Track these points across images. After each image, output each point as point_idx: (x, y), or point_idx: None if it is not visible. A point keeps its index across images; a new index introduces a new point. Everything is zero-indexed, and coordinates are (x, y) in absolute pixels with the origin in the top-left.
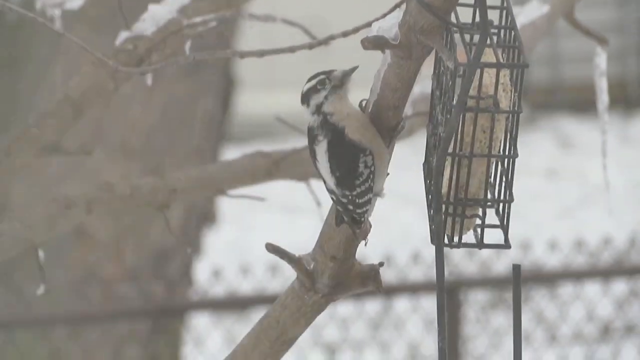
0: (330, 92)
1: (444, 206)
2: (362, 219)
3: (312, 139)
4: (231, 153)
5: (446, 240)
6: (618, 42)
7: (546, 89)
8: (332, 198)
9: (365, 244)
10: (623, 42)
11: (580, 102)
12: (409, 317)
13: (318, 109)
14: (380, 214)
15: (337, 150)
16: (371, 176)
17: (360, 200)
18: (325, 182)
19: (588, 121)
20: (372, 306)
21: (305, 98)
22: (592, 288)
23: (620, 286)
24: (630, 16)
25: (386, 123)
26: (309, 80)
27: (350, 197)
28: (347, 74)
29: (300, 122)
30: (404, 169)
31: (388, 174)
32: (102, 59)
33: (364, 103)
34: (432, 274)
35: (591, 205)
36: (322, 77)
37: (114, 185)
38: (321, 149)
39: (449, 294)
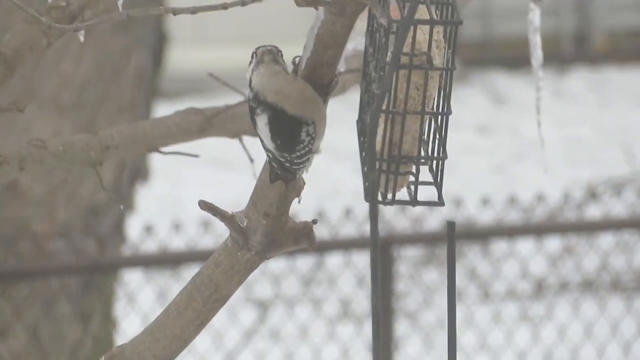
0: (256, 66)
1: (377, 163)
2: (298, 175)
3: (252, 109)
4: (164, 109)
5: (380, 198)
6: None
7: (478, 44)
8: (268, 155)
9: (299, 201)
10: None
11: (513, 58)
12: (341, 273)
13: (249, 83)
14: (312, 169)
15: (278, 124)
16: (312, 141)
17: (299, 160)
18: (263, 142)
19: (521, 77)
20: (304, 262)
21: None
22: (525, 245)
23: (553, 243)
24: None
25: (320, 80)
26: (253, 56)
27: (289, 158)
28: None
29: (232, 79)
30: (336, 124)
31: None
32: (35, 15)
33: (297, 60)
34: (365, 230)
35: (524, 161)
36: (262, 52)
37: (47, 142)
38: (261, 121)
39: (381, 251)
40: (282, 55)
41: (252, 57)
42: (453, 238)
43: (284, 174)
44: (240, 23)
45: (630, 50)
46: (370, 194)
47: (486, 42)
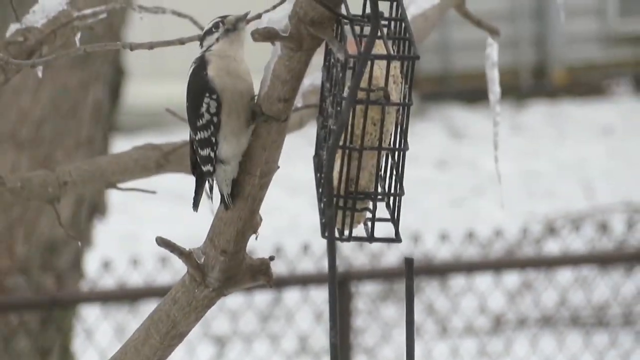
0: (222, 34)
1: (334, 200)
2: (208, 179)
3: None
4: (122, 143)
5: (337, 234)
6: (510, 31)
7: (436, 78)
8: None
9: (256, 238)
10: (515, 31)
11: (471, 91)
12: (299, 308)
13: (208, 49)
14: (269, 203)
15: (193, 79)
16: (211, 128)
17: (201, 152)
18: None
19: (479, 110)
20: (262, 298)
21: (201, 40)
22: (483, 280)
23: (512, 278)
24: (523, 4)
25: (276, 115)
26: (208, 24)
27: (195, 141)
28: (240, 19)
29: None
30: (294, 159)
31: (278, 167)
32: None
33: (255, 98)
34: (322, 265)
35: (483, 196)
36: (217, 20)
37: (4, 178)
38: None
39: (339, 286)
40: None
41: (217, 25)
42: (411, 275)
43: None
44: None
45: (588, 83)
46: (328, 232)
47: (444, 76)
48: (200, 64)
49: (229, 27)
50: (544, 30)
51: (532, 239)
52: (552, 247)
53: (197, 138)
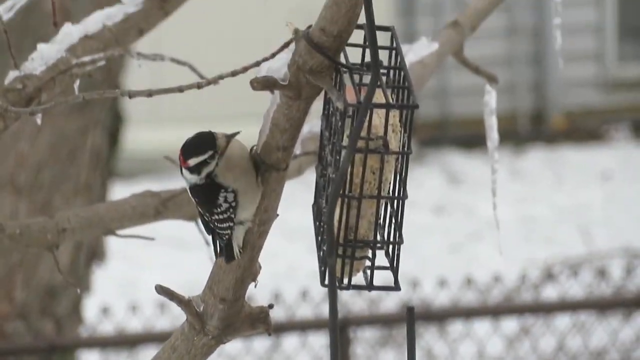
0: (219, 160)
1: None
2: (225, 238)
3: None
4: (120, 189)
5: (336, 282)
6: (508, 76)
7: (434, 123)
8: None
9: (255, 286)
10: (513, 76)
11: (469, 137)
12: (298, 354)
13: (208, 175)
14: (267, 249)
15: (202, 188)
16: (230, 210)
17: (221, 225)
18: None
19: (477, 156)
20: (261, 344)
21: (196, 169)
22: (482, 325)
23: (510, 324)
24: (520, 50)
25: (276, 164)
26: (195, 152)
27: (209, 219)
28: (230, 138)
29: None
30: (292, 205)
31: (277, 215)
32: None
33: (254, 149)
34: (321, 311)
35: (481, 241)
36: (210, 152)
37: (3, 224)
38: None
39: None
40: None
41: (213, 157)
42: (413, 324)
43: (222, 247)
44: (196, 104)
45: (586, 129)
46: (329, 280)
47: (443, 121)
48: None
49: (223, 151)
50: (542, 75)
51: (530, 284)
52: (551, 293)
53: (215, 218)
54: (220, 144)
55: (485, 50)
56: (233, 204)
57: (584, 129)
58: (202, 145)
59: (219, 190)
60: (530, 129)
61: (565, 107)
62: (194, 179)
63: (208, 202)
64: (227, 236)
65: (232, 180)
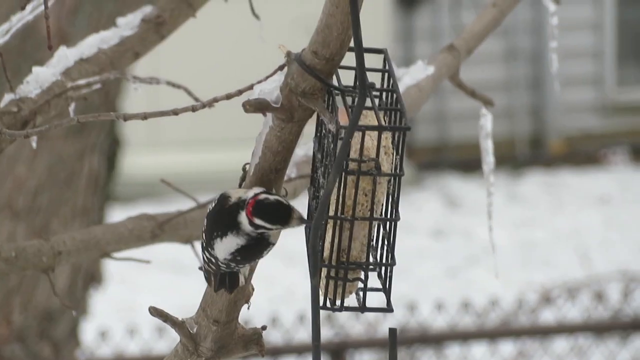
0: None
1: (326, 270)
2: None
3: (230, 226)
4: (118, 213)
5: (328, 304)
6: (506, 100)
7: (432, 147)
8: (205, 257)
9: (248, 308)
10: (511, 101)
11: (467, 161)
12: None
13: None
14: (265, 273)
15: (253, 249)
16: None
17: (240, 265)
18: (207, 244)
19: (475, 180)
20: None
21: (255, 227)
22: (479, 349)
23: (507, 347)
24: (518, 74)
25: (269, 186)
26: (265, 218)
27: (232, 265)
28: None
29: (185, 183)
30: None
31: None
32: None
33: (246, 167)
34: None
35: (478, 265)
36: (278, 226)
37: (0, 247)
38: (234, 240)
39: (335, 355)
40: None
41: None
42: (395, 345)
43: (226, 281)
44: (194, 128)
45: (585, 153)
46: (312, 299)
47: (441, 145)
48: (262, 241)
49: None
50: (540, 99)
51: (527, 308)
52: (548, 316)
53: (242, 265)
54: (291, 224)
55: (484, 75)
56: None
57: (582, 153)
58: (275, 217)
59: (268, 246)
60: (528, 153)
61: (564, 132)
62: (248, 229)
63: (253, 256)
64: (237, 269)
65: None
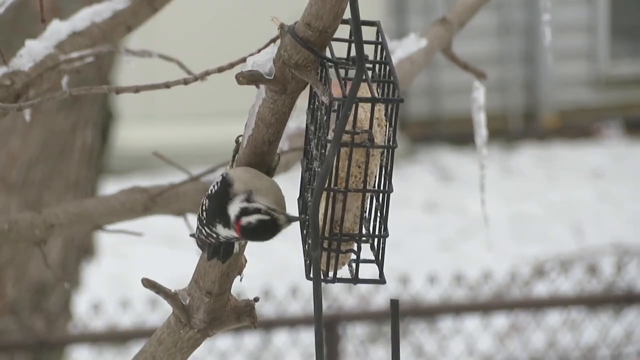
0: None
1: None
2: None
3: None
4: (110, 186)
5: (322, 275)
6: (499, 74)
7: (426, 121)
8: (204, 231)
9: (241, 279)
10: (503, 74)
11: (461, 134)
12: (288, 351)
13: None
14: (258, 246)
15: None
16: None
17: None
18: (208, 222)
19: (469, 153)
20: (251, 340)
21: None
22: (472, 322)
23: (500, 320)
24: (511, 48)
25: (261, 158)
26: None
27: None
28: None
29: (179, 156)
30: None
31: None
32: None
33: (239, 139)
34: (311, 307)
35: (471, 238)
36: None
37: None
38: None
39: (328, 328)
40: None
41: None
42: (397, 316)
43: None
44: (188, 101)
45: (578, 126)
46: (314, 273)
47: (434, 119)
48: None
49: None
50: (533, 73)
51: (520, 281)
52: (541, 290)
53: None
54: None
55: (477, 48)
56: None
57: (575, 127)
58: (265, 236)
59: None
60: (522, 127)
61: (557, 105)
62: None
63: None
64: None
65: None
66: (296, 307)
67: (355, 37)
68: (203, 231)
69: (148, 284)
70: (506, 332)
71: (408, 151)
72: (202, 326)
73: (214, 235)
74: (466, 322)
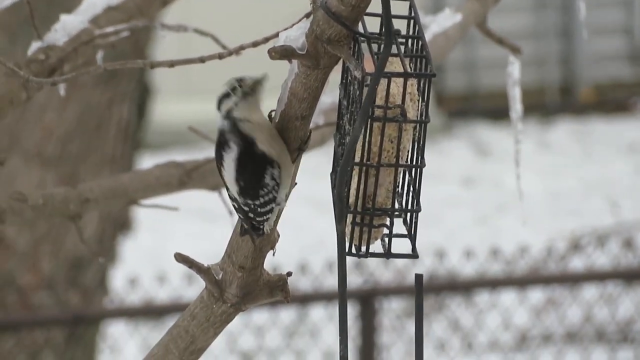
0: (241, 98)
1: (351, 216)
2: (262, 227)
3: (222, 144)
4: (147, 161)
5: (354, 250)
6: (535, 49)
7: (462, 96)
8: (233, 205)
9: (274, 254)
10: (540, 49)
11: (497, 109)
12: (325, 325)
13: (228, 114)
14: (295, 222)
15: (246, 161)
16: (276, 188)
17: (262, 210)
18: (227, 189)
19: (505, 128)
20: (287, 314)
21: (219, 103)
22: (508, 296)
23: (536, 294)
24: (548, 22)
25: (294, 133)
26: (224, 85)
27: (252, 206)
28: (257, 82)
29: (214, 131)
30: (318, 177)
31: (296, 183)
32: (14, 69)
33: (272, 114)
34: (348, 282)
35: (508, 213)
36: (234, 83)
37: (27, 195)
38: (230, 156)
39: (364, 302)
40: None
41: (234, 89)
42: (421, 291)
43: (250, 228)
44: (222, 75)
45: (615, 101)
46: (338, 245)
47: (471, 93)
48: (245, 142)
49: (246, 90)
50: (570, 48)
51: (557, 255)
52: (577, 264)
53: (258, 202)
54: (246, 82)
55: (514, 23)
56: (278, 180)
57: (612, 102)
58: (229, 80)
59: (266, 167)
60: (558, 102)
61: (593, 80)
62: (219, 119)
63: (255, 182)
64: (265, 222)
65: (277, 153)
66: (332, 281)
67: (384, 12)
68: (233, 206)
69: (181, 258)
70: (542, 307)
71: (445, 126)
72: (234, 301)
73: (236, 206)
74: (502, 297)
